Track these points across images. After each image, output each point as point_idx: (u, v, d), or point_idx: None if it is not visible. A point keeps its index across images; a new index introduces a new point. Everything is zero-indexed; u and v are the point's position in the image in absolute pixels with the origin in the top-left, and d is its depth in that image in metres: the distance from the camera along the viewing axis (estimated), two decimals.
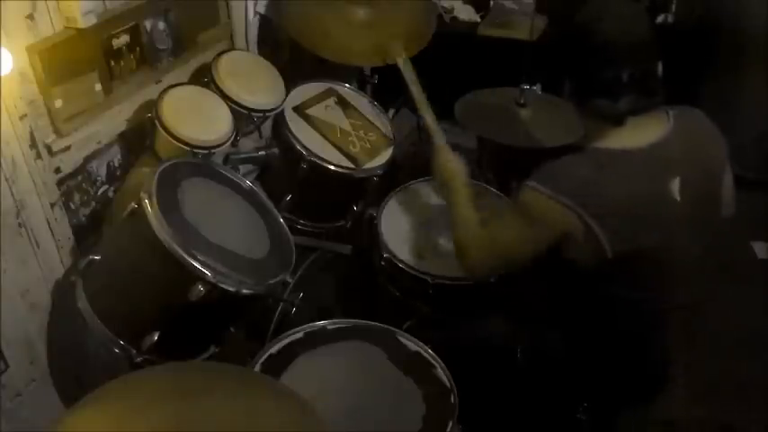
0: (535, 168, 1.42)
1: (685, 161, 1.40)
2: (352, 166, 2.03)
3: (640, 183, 1.36)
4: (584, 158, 1.40)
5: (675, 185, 1.38)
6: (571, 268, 1.43)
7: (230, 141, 1.79)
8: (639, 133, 1.39)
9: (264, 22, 2.37)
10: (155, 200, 1.41)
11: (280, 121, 2.01)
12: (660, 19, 2.78)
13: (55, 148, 1.68)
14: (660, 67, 1.38)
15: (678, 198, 1.38)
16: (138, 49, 1.85)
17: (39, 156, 1.65)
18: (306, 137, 2.01)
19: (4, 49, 1.47)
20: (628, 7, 1.42)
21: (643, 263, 1.41)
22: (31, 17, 1.55)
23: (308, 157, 1.95)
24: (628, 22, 1.37)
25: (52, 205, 1.72)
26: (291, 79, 2.08)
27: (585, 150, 1.42)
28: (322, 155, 1.98)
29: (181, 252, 1.38)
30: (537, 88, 2.18)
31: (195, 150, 1.70)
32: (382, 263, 1.87)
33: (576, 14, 1.42)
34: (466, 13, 3.02)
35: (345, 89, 2.25)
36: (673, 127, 1.41)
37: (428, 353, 1.51)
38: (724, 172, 1.49)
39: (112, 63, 1.79)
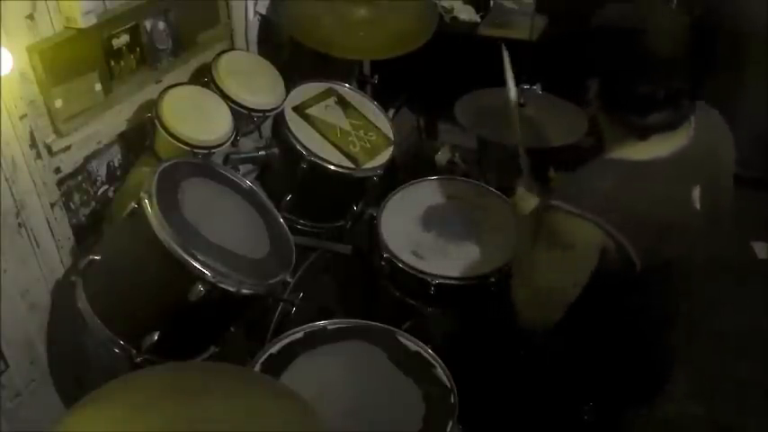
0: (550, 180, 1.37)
1: (705, 168, 1.37)
2: (352, 166, 2.03)
3: (663, 194, 1.32)
4: (605, 171, 1.34)
5: (696, 194, 1.35)
6: (597, 279, 1.38)
7: (230, 141, 1.79)
8: (661, 143, 1.34)
9: (264, 22, 2.37)
10: (155, 200, 1.41)
11: (280, 121, 2.01)
12: None
13: (55, 148, 1.68)
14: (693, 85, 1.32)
15: (698, 206, 1.36)
16: (138, 49, 1.85)
17: (39, 156, 1.65)
18: (306, 137, 2.01)
19: (4, 49, 1.47)
20: (674, 20, 1.33)
21: (666, 272, 1.39)
22: (31, 17, 1.55)
23: (308, 157, 1.95)
24: (675, 37, 1.28)
25: (52, 205, 1.72)
26: (291, 79, 2.08)
27: (605, 162, 1.37)
28: (322, 155, 1.98)
29: (181, 252, 1.38)
30: (537, 88, 2.18)
31: (195, 150, 1.70)
32: (382, 263, 1.87)
33: (616, 17, 1.33)
34: (466, 13, 3.01)
35: (345, 89, 2.25)
36: (695, 133, 1.37)
37: (428, 353, 1.51)
38: (732, 172, 1.48)
39: (112, 63, 1.79)
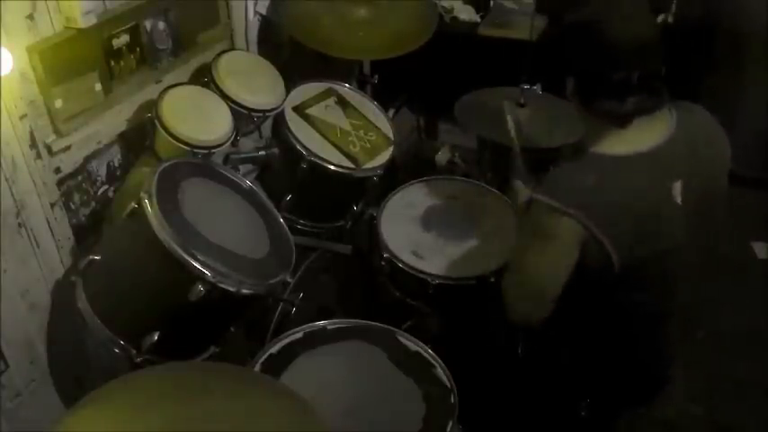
0: (540, 177, 1.40)
1: (687, 163, 1.39)
2: (352, 165, 2.03)
3: (642, 188, 1.34)
4: (586, 166, 1.38)
5: (677, 189, 1.37)
6: (577, 275, 1.40)
7: (230, 141, 1.79)
8: (642, 136, 1.37)
9: (264, 22, 2.37)
10: (155, 200, 1.41)
11: (280, 121, 2.01)
12: (660, 19, 2.78)
13: (55, 148, 1.69)
14: (663, 68, 1.37)
15: (679, 201, 1.37)
16: (138, 49, 1.85)
17: (39, 156, 1.65)
18: (306, 137, 2.01)
19: (4, 49, 1.47)
20: (635, 7, 1.40)
21: (648, 268, 1.40)
22: (31, 17, 1.55)
23: (308, 157, 1.95)
24: (636, 22, 1.36)
25: (52, 205, 1.72)
26: (291, 79, 2.09)
27: (587, 157, 1.39)
28: (322, 155, 1.98)
29: (181, 252, 1.38)
30: (537, 88, 2.18)
31: (195, 150, 1.70)
32: (382, 263, 1.87)
33: (582, 13, 1.40)
34: (466, 13, 3.01)
35: (345, 89, 2.25)
36: (675, 128, 1.39)
37: (428, 353, 1.51)
38: (726, 170, 1.48)
39: (112, 63, 1.79)
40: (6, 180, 1.58)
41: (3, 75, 1.49)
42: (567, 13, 1.42)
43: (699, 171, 1.41)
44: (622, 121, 1.36)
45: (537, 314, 1.42)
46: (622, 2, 1.41)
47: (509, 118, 1.83)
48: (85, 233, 1.85)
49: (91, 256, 1.53)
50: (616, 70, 1.32)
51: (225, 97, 1.84)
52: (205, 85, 1.87)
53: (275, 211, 1.77)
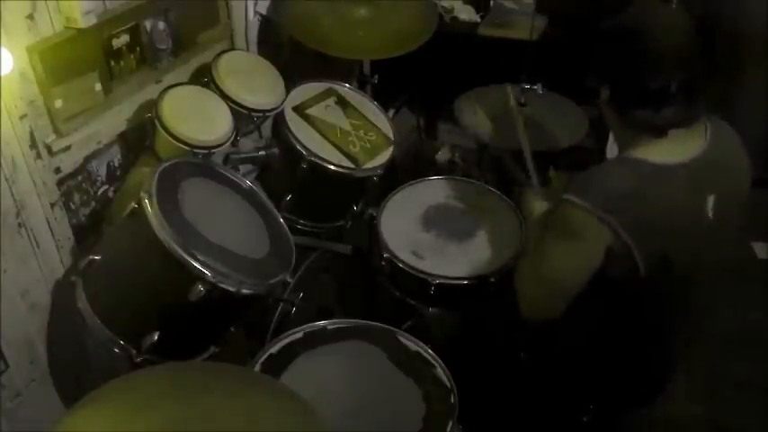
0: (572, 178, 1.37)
1: (719, 177, 1.37)
2: (352, 165, 2.03)
3: (679, 200, 1.32)
4: (624, 170, 1.34)
5: (710, 203, 1.35)
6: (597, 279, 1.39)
7: (230, 141, 1.79)
8: (679, 147, 1.34)
9: (264, 22, 2.37)
10: (155, 200, 1.41)
11: (280, 121, 2.01)
12: None
13: (55, 148, 1.69)
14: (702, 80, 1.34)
15: (711, 215, 1.36)
16: (138, 49, 1.85)
17: (39, 156, 1.65)
18: (306, 137, 2.01)
19: (4, 49, 1.47)
20: (676, 16, 1.37)
21: (672, 279, 1.39)
22: (31, 17, 1.55)
23: (308, 157, 1.95)
24: (678, 31, 1.33)
25: (52, 205, 1.72)
26: (291, 79, 2.08)
27: (624, 161, 1.36)
28: (322, 155, 1.98)
29: (181, 252, 1.38)
30: (538, 88, 2.18)
31: (195, 150, 1.70)
32: (382, 263, 1.87)
33: (619, 19, 1.37)
34: (466, 13, 3.02)
35: (345, 89, 2.25)
36: (710, 141, 1.37)
37: (428, 353, 1.51)
38: (747, 185, 1.47)
39: (112, 63, 1.79)
40: (6, 180, 1.58)
41: (3, 75, 1.49)
42: (602, 20, 1.38)
43: (728, 186, 1.40)
44: (658, 132, 1.33)
45: (554, 311, 1.41)
46: (666, 11, 1.39)
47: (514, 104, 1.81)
48: (85, 233, 1.85)
49: (91, 256, 1.53)
50: (655, 79, 1.29)
51: (225, 97, 1.84)
52: (205, 85, 1.87)
53: (275, 211, 1.77)
